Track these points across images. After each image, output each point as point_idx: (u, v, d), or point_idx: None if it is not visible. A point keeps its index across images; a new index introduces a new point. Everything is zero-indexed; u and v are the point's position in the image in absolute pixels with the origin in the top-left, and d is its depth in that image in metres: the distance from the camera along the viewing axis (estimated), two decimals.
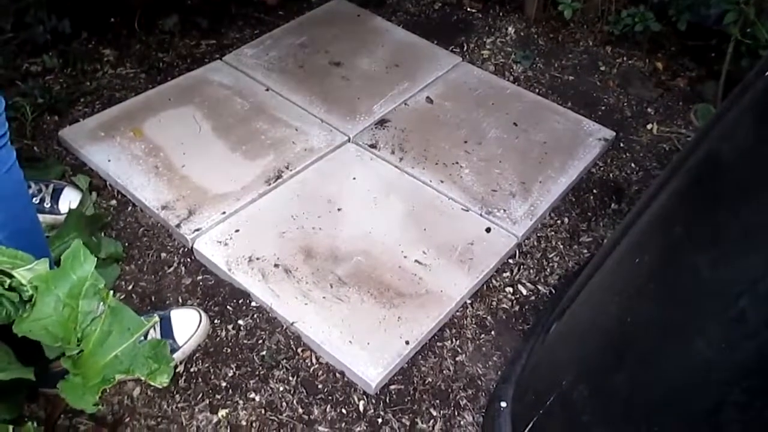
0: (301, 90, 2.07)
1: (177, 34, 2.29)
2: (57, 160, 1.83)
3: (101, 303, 0.99)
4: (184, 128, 1.91)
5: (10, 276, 0.95)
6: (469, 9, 2.57)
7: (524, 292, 1.63)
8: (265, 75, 2.12)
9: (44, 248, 1.28)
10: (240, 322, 1.51)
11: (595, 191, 1.89)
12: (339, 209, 1.72)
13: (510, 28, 2.45)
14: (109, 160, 1.80)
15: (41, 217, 1.63)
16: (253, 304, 1.55)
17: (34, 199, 1.64)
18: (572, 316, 1.24)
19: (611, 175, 1.94)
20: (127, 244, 1.65)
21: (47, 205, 1.65)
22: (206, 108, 1.98)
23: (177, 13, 2.30)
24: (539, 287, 1.64)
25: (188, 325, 1.45)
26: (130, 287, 1.57)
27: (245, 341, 1.48)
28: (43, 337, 0.94)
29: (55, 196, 1.67)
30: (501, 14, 2.53)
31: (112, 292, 1.00)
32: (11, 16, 2.05)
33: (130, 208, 1.74)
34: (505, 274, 1.66)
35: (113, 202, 1.75)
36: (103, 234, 1.65)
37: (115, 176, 1.76)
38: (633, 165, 1.98)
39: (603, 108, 2.16)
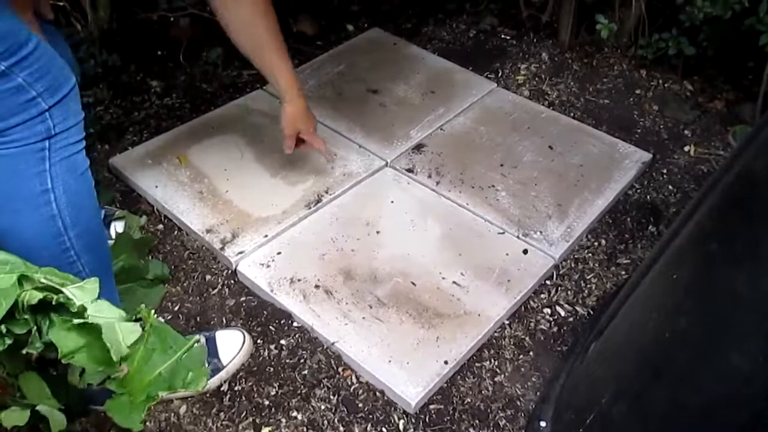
0: (340, 117, 2.12)
1: (220, 65, 2.38)
2: (107, 186, 1.91)
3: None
4: (227, 155, 1.98)
5: (58, 293, 1.00)
6: (503, 36, 2.61)
7: (562, 313, 1.64)
8: None
9: (107, 253, 1.34)
10: (282, 341, 1.55)
11: (632, 213, 1.89)
12: (377, 232, 1.76)
13: (544, 54, 2.49)
14: (156, 186, 1.87)
15: None
16: (295, 324, 1.58)
17: None
18: (611, 335, 1.25)
19: (648, 197, 1.94)
20: (173, 266, 1.71)
21: None
22: (248, 135, 2.05)
23: (220, 45, 2.39)
24: (577, 308, 1.65)
25: (232, 345, 1.49)
26: (176, 308, 1.63)
27: (287, 360, 1.52)
28: (86, 363, 0.99)
29: (106, 221, 1.74)
30: (535, 40, 2.56)
31: (153, 311, 1.05)
32: None
33: (176, 232, 1.80)
34: (542, 296, 1.67)
35: (160, 226, 1.82)
36: (150, 257, 1.72)
37: (162, 201, 1.83)
38: (670, 187, 1.97)
39: (639, 131, 2.16)
